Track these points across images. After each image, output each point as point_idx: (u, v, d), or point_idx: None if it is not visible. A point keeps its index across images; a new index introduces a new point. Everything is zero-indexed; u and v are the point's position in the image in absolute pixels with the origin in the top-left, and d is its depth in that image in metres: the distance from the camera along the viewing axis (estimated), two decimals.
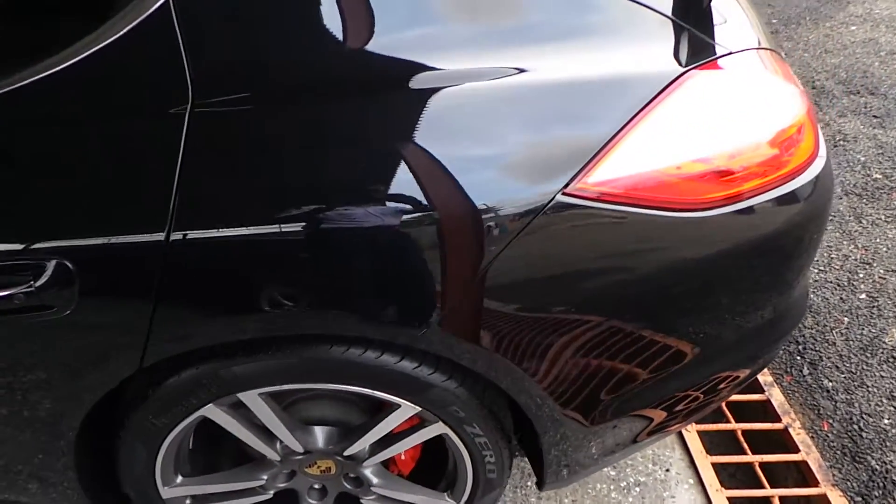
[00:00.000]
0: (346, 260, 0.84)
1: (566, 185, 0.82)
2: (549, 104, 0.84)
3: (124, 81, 0.81)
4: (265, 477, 1.11)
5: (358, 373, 0.94)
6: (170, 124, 0.78)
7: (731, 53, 0.92)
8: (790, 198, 0.95)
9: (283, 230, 0.80)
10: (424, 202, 0.81)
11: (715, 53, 0.91)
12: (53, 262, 0.80)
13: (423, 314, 0.87)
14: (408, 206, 0.81)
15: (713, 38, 0.93)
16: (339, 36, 0.82)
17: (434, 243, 0.83)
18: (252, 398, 0.96)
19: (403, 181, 0.81)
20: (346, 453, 1.07)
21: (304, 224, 0.81)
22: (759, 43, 0.98)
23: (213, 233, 0.79)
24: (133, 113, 0.81)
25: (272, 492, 1.14)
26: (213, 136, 0.80)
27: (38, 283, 0.80)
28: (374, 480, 1.14)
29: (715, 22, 0.94)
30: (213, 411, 0.98)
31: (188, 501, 1.14)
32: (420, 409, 0.98)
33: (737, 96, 0.91)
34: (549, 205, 0.82)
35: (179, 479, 1.10)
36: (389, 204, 0.81)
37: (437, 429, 1.03)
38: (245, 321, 0.86)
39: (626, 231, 0.87)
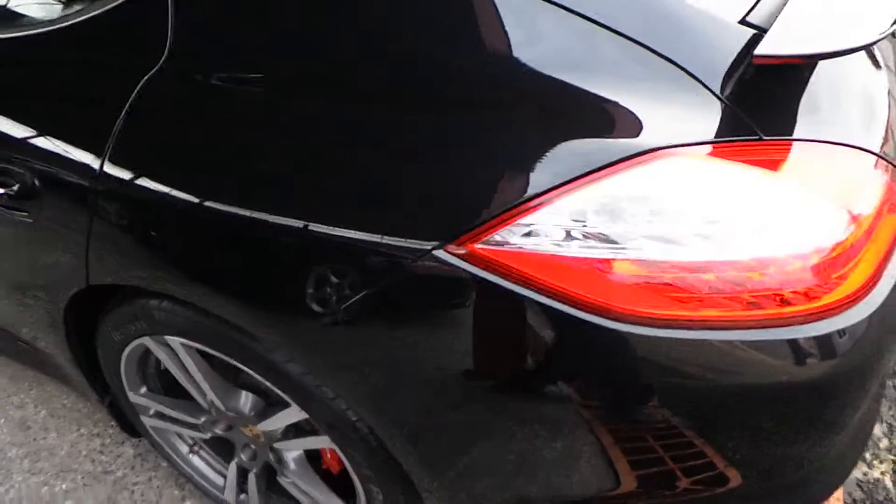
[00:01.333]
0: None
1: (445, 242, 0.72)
2: None
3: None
4: (202, 419, 1.20)
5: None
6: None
7: (762, 140, 0.71)
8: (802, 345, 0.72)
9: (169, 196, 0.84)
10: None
11: (740, 135, 0.71)
12: (26, 175, 0.95)
13: None
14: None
15: (752, 115, 0.72)
16: None
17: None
18: (175, 345, 1.04)
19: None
20: (260, 427, 1.11)
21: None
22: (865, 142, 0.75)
23: (129, 177, 0.87)
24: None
25: (209, 434, 1.22)
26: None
27: (13, 190, 0.96)
28: (291, 466, 1.16)
29: (787, 94, 0.74)
30: (150, 343, 1.08)
31: (153, 412, 1.28)
32: (307, 415, 0.97)
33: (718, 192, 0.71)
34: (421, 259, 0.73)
35: (144, 389, 1.24)
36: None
37: (323, 441, 1.01)
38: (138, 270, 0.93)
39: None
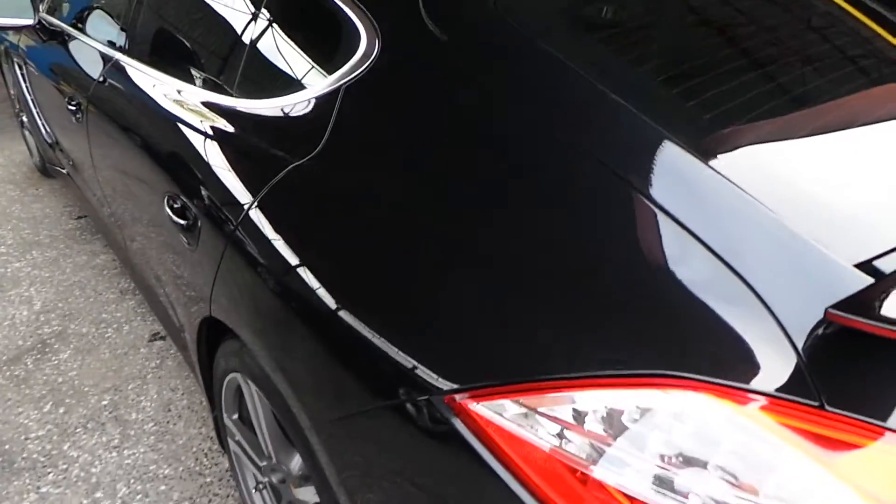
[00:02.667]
0: None
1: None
2: None
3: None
4: (264, 463, 1.28)
5: None
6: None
7: (824, 409, 0.60)
8: None
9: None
10: None
11: (801, 395, 0.61)
12: (192, 212, 1.15)
13: None
14: None
15: (822, 378, 0.62)
16: None
17: None
18: (252, 389, 1.15)
19: None
20: (296, 493, 1.16)
21: None
22: None
23: (252, 238, 1.01)
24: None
25: (266, 479, 1.30)
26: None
27: (184, 223, 1.17)
28: None
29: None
30: (240, 380, 1.20)
31: (237, 438, 1.41)
32: None
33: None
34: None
35: (235, 416, 1.38)
36: None
37: None
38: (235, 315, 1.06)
39: None
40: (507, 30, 0.93)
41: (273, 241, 0.99)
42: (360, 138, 1.00)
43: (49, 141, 2.59)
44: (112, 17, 1.86)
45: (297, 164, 1.03)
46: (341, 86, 1.05)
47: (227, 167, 1.15)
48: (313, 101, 1.07)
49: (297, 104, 1.11)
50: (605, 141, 0.81)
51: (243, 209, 1.05)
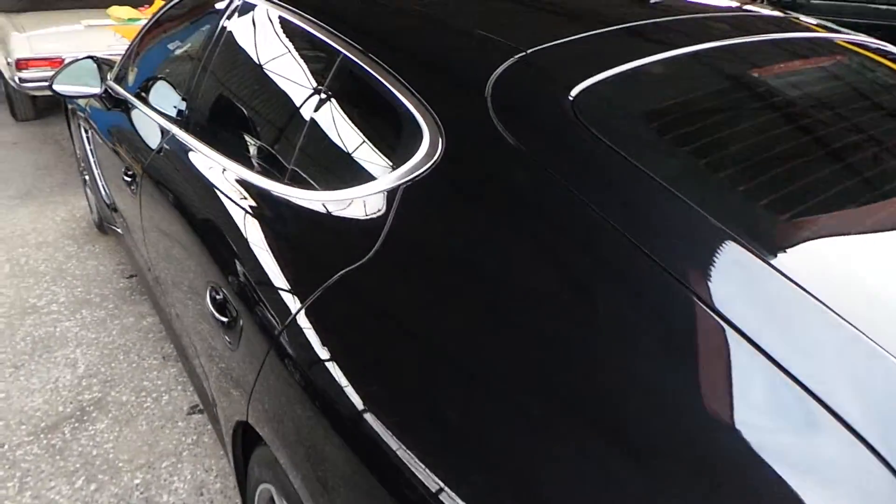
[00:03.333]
0: None
1: None
2: None
3: None
4: None
5: None
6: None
7: None
8: None
9: None
10: None
11: None
12: (233, 310, 1.08)
13: None
14: None
15: None
16: None
17: None
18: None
19: None
20: None
21: None
22: None
23: (297, 348, 0.93)
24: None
25: None
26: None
27: (225, 321, 1.10)
28: None
29: None
30: (273, 492, 1.11)
31: None
32: None
33: None
34: None
35: None
36: None
37: None
38: (269, 429, 0.97)
39: None
40: (587, 140, 0.85)
41: (319, 353, 0.91)
42: (417, 248, 0.92)
43: (107, 202, 2.63)
44: (174, 89, 1.87)
45: (348, 269, 0.95)
46: (400, 186, 0.98)
47: (275, 264, 1.09)
48: (369, 200, 1.01)
49: (351, 201, 1.04)
50: (701, 271, 0.71)
51: (290, 314, 0.98)
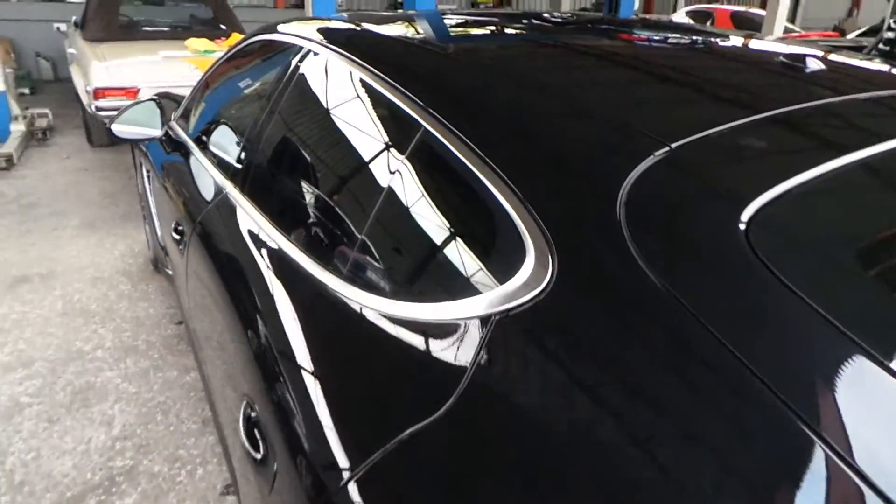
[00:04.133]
0: None
1: None
2: None
3: None
4: None
5: None
6: None
7: None
8: None
9: None
10: None
11: None
12: (273, 454, 0.85)
13: None
14: None
15: None
16: None
17: None
18: None
19: None
20: None
21: None
22: None
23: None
24: None
25: None
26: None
27: (262, 457, 0.87)
28: None
29: None
30: None
31: None
32: None
33: None
34: None
35: None
36: None
37: None
38: None
39: None
40: (776, 291, 0.58)
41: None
42: (503, 411, 0.67)
43: (160, 242, 2.50)
44: (232, 140, 1.69)
45: (415, 428, 0.71)
46: (492, 316, 0.73)
47: (324, 395, 0.85)
48: (447, 328, 0.76)
49: (423, 325, 0.80)
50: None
51: (340, 481, 0.74)
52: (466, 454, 0.68)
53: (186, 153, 2.03)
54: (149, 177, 2.57)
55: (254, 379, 1.01)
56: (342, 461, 0.76)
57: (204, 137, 1.93)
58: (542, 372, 0.67)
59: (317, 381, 0.88)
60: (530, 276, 0.72)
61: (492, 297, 0.74)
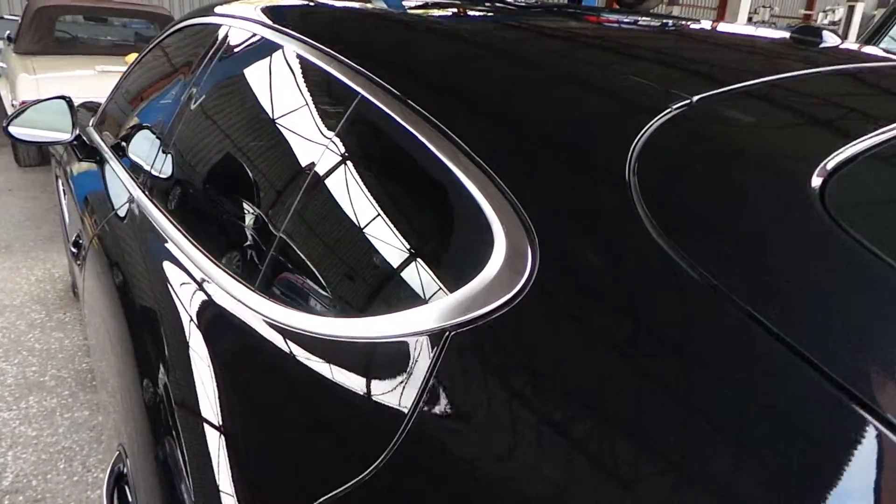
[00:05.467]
0: None
1: None
2: None
3: None
4: None
5: None
6: None
7: None
8: None
9: None
10: None
11: None
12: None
13: None
14: None
15: None
16: None
17: None
18: None
19: None
20: None
21: None
22: None
23: None
24: None
25: None
26: None
27: None
28: None
29: None
30: None
31: None
32: None
33: None
34: None
35: None
36: None
37: None
38: None
39: None
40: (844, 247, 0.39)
41: None
42: (474, 463, 0.46)
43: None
44: (145, 141, 1.45)
45: (336, 493, 0.49)
46: (445, 332, 0.52)
47: (222, 443, 0.62)
48: (383, 351, 0.55)
49: (351, 347, 0.59)
50: None
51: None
52: None
53: (101, 161, 1.77)
54: (63, 190, 2.29)
55: (129, 423, 0.76)
56: None
57: (117, 141, 1.68)
58: (515, 410, 0.46)
59: (207, 429, 0.65)
60: (498, 275, 0.51)
61: (445, 305, 0.53)
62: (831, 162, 0.46)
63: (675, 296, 0.42)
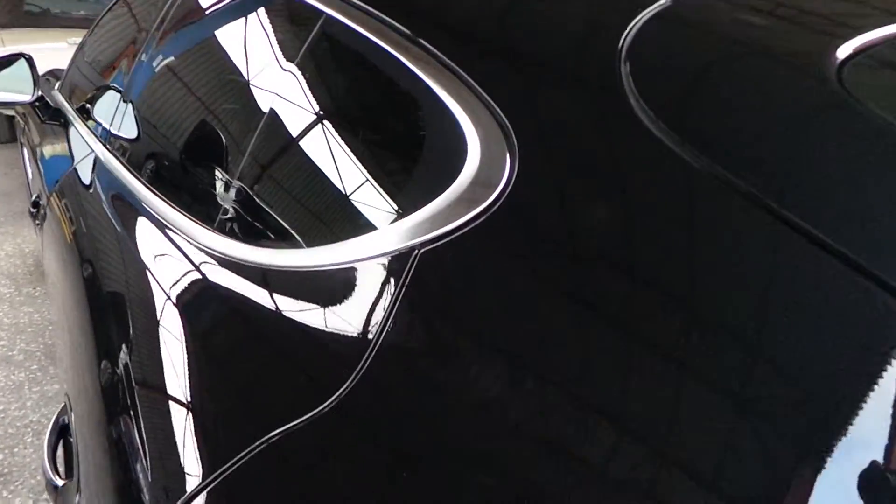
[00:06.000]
0: None
1: None
2: None
3: None
4: None
5: None
6: None
7: None
8: None
9: None
10: None
11: None
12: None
13: None
14: None
15: None
16: None
17: None
18: None
19: None
20: None
21: None
22: None
23: None
24: None
25: None
26: None
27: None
28: None
29: None
30: None
31: None
32: None
33: None
34: None
35: None
36: None
37: None
38: None
39: None
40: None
41: None
42: (445, 399, 0.41)
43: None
44: (107, 95, 1.38)
45: (293, 426, 0.43)
46: (413, 251, 0.47)
47: (164, 377, 0.56)
48: (342, 278, 0.50)
49: (305, 276, 0.53)
50: None
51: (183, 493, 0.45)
52: (358, 464, 0.41)
53: (65, 123, 1.69)
54: (28, 158, 2.20)
55: (73, 370, 0.70)
56: (192, 468, 0.47)
57: (82, 103, 1.60)
58: (489, 332, 0.41)
59: (158, 374, 0.59)
60: (473, 182, 0.46)
61: (413, 221, 0.48)
62: (845, 45, 0.41)
63: (678, 192, 0.37)
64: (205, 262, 0.66)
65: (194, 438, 0.52)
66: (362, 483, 0.41)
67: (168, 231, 0.77)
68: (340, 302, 0.51)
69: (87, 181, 1.14)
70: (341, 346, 0.48)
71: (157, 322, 0.66)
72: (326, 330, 0.51)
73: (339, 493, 0.42)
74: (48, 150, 1.65)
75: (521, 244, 0.42)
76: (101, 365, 0.66)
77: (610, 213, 0.39)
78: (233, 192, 0.68)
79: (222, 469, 0.45)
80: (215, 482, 0.45)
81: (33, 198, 1.48)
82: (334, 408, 0.44)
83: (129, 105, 1.16)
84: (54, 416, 0.71)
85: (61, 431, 0.68)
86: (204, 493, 0.47)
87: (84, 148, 1.30)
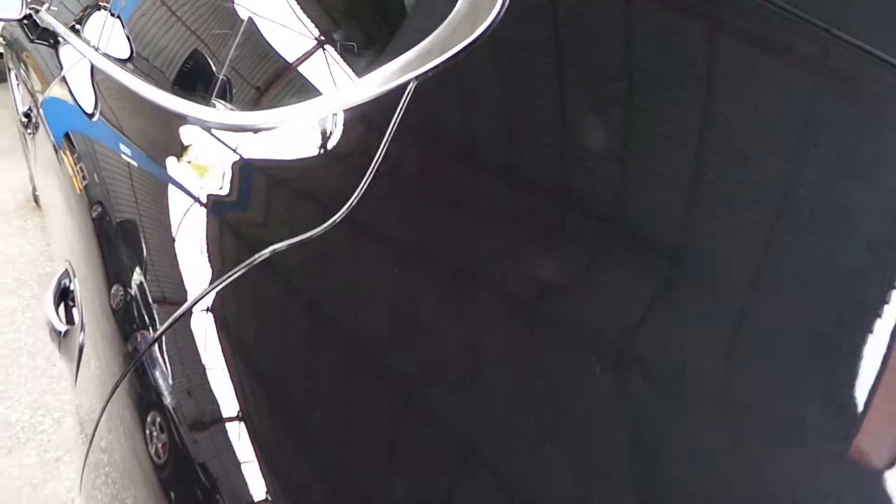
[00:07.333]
0: None
1: None
2: None
3: None
4: None
5: None
6: None
7: None
8: None
9: None
10: None
11: None
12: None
13: None
14: None
15: None
16: None
17: None
18: None
19: None
20: None
21: None
22: None
23: None
24: None
25: None
26: None
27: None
28: None
29: None
30: None
31: None
32: None
33: None
34: None
35: None
36: None
37: None
38: None
39: None
40: None
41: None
42: (430, 221, 0.42)
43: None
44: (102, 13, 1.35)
45: (289, 244, 0.45)
46: (408, 84, 0.48)
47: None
48: (334, 116, 0.50)
49: (306, 114, 0.54)
50: None
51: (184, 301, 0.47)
52: (355, 288, 0.42)
53: (55, 42, 1.66)
54: (17, 80, 2.16)
55: (75, 239, 0.71)
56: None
57: (72, 23, 1.57)
58: (495, 141, 0.42)
59: (157, 231, 0.60)
60: (472, 7, 0.46)
61: (410, 57, 0.48)
62: None
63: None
64: (204, 132, 0.67)
65: (205, 244, 0.52)
66: (356, 297, 0.43)
67: (155, 106, 0.77)
68: (334, 148, 0.52)
69: (78, 81, 1.13)
70: (344, 160, 0.49)
71: (152, 191, 0.66)
72: (319, 174, 0.52)
73: (335, 302, 0.43)
74: (40, 66, 1.63)
75: (521, 57, 0.43)
76: (99, 233, 0.66)
77: (606, 24, 0.40)
78: (241, 64, 0.68)
79: (223, 278, 0.46)
80: (216, 288, 0.46)
81: (25, 108, 1.47)
82: (333, 230, 0.45)
83: (119, 20, 1.15)
84: (56, 279, 0.72)
85: (62, 294, 0.69)
86: (208, 297, 0.48)
87: (75, 53, 1.28)
